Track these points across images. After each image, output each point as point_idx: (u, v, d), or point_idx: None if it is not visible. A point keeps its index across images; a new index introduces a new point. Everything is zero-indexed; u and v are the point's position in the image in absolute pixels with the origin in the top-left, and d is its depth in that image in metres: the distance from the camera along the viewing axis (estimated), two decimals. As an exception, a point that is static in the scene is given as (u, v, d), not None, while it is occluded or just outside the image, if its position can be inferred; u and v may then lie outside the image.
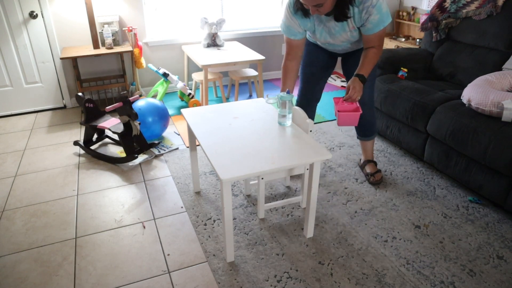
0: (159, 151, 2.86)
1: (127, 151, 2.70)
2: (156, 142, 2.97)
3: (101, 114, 2.91)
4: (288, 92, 1.92)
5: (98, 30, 3.50)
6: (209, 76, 3.62)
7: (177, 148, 2.93)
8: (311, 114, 2.43)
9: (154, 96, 3.67)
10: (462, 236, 2.01)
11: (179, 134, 3.17)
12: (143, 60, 3.65)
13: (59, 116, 3.57)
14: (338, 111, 2.02)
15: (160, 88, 3.56)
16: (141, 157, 2.79)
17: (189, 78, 4.19)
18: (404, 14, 4.44)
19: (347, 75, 2.32)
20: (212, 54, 3.61)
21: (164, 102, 3.88)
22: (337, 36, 2.04)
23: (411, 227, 2.07)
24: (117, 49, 3.43)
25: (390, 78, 2.83)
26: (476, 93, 2.20)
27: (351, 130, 3.20)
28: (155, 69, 3.54)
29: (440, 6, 3.05)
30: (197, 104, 3.56)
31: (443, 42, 3.08)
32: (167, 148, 2.92)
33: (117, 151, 2.92)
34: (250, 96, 4.05)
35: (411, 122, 2.56)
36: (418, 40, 4.18)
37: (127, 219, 2.17)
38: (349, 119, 2.00)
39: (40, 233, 2.06)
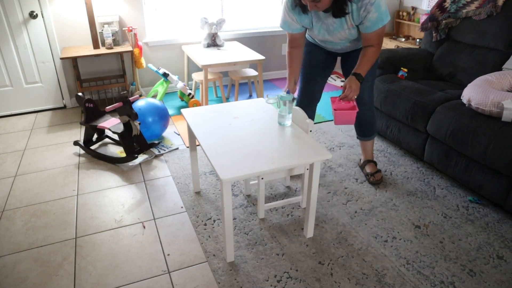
0: (159, 151, 2.86)
1: (127, 151, 2.70)
2: (156, 142, 2.97)
3: (101, 114, 2.91)
4: (288, 92, 1.92)
5: (98, 30, 3.50)
6: (209, 76, 3.62)
7: (177, 148, 2.93)
8: (311, 114, 2.43)
9: (154, 96, 3.67)
10: (462, 236, 2.01)
11: (179, 134, 3.17)
12: (143, 60, 3.65)
13: (59, 116, 3.57)
14: (335, 109, 2.03)
15: (160, 88, 3.56)
16: (141, 157, 2.79)
17: (189, 78, 4.19)
18: (404, 14, 4.44)
19: (347, 75, 2.32)
20: (212, 54, 3.61)
21: (164, 102, 3.88)
22: (335, 33, 2.03)
23: (411, 227, 2.08)
24: (117, 49, 3.43)
25: (390, 78, 2.83)
26: (476, 93, 2.20)
27: (351, 130, 3.20)
28: (155, 69, 3.54)
29: (440, 6, 3.05)
30: (197, 104, 3.56)
31: (443, 42, 3.08)
32: (167, 148, 2.92)
33: (117, 151, 2.92)
34: (250, 96, 4.05)
35: (411, 122, 2.56)
36: (418, 40, 4.18)
37: (127, 219, 2.17)
38: (345, 118, 2.01)
39: (40, 233, 2.06)
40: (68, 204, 2.30)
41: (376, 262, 1.84)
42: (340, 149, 2.90)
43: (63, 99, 3.73)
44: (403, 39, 4.39)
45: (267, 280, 1.74)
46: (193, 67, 4.14)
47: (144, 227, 2.10)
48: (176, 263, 1.85)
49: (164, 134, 3.17)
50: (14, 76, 3.47)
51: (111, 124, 2.77)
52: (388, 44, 4.42)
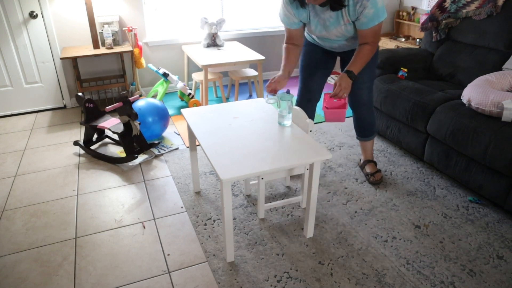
0: (159, 151, 2.86)
1: (127, 151, 2.70)
2: (156, 142, 2.97)
3: (101, 114, 2.91)
4: (288, 92, 1.92)
5: (98, 30, 3.50)
6: (209, 76, 3.62)
7: (177, 148, 2.93)
8: (310, 114, 2.43)
9: (154, 96, 3.67)
10: (462, 236, 2.01)
11: (179, 134, 3.17)
12: (143, 60, 3.65)
13: (59, 116, 3.57)
14: (325, 107, 2.04)
15: (160, 88, 3.56)
16: (141, 157, 2.79)
17: (189, 78, 4.19)
18: (404, 14, 4.44)
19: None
20: (212, 54, 3.61)
21: (164, 102, 3.88)
22: (331, 28, 2.02)
23: (411, 227, 2.08)
24: (117, 49, 3.43)
25: (390, 78, 2.83)
26: (476, 93, 2.20)
27: (351, 130, 3.20)
28: (155, 69, 3.55)
29: (440, 6, 3.05)
30: (197, 104, 3.56)
31: (443, 42, 3.08)
32: (167, 148, 2.92)
33: (117, 151, 2.92)
34: (250, 96, 4.05)
35: (411, 122, 2.56)
36: (418, 40, 4.18)
37: (127, 219, 2.17)
38: (335, 116, 2.02)
39: (40, 233, 2.06)
40: (68, 204, 2.30)
41: (376, 262, 1.84)
42: (340, 149, 2.90)
43: (63, 99, 3.73)
44: (403, 39, 4.39)
45: (267, 280, 1.74)
46: (193, 67, 4.14)
47: (144, 227, 2.10)
48: (176, 263, 1.85)
49: (164, 134, 3.17)
50: (14, 76, 3.47)
51: (111, 124, 2.77)
52: (388, 44, 4.42)
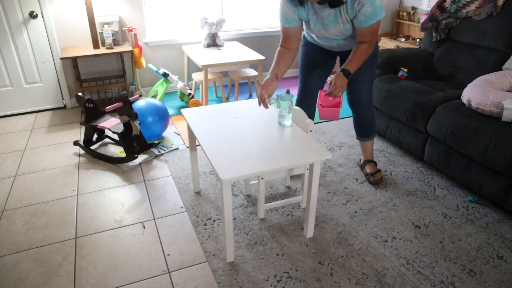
0: (159, 151, 2.87)
1: (127, 151, 2.70)
2: (156, 142, 2.97)
3: (101, 114, 2.91)
4: (288, 92, 1.92)
5: (98, 30, 3.50)
6: (209, 76, 3.62)
7: (177, 148, 2.93)
8: (310, 114, 2.43)
9: (154, 96, 3.67)
10: (462, 236, 2.01)
11: (179, 134, 3.17)
12: (143, 60, 3.65)
13: (59, 116, 3.57)
14: (320, 105, 2.04)
15: (160, 88, 3.56)
16: (141, 157, 2.79)
17: (189, 78, 4.19)
18: (404, 14, 4.44)
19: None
20: (212, 54, 3.61)
21: (164, 102, 3.88)
22: (329, 27, 2.02)
23: (411, 227, 2.07)
24: (117, 49, 3.43)
25: (390, 78, 2.83)
26: (476, 93, 2.20)
27: (351, 130, 3.20)
28: (155, 69, 3.55)
29: (440, 6, 3.05)
30: (197, 104, 3.56)
31: (443, 42, 3.08)
32: (167, 148, 2.92)
33: (117, 151, 2.92)
34: (250, 96, 4.05)
35: (411, 122, 2.56)
36: (418, 40, 4.18)
37: (127, 219, 2.17)
38: (329, 114, 2.02)
39: (40, 233, 2.06)
40: (68, 204, 2.30)
41: (376, 262, 1.84)
42: (340, 149, 2.90)
43: (63, 99, 3.73)
44: (403, 39, 4.39)
45: (267, 280, 1.74)
46: (193, 67, 4.14)
47: (144, 227, 2.10)
48: (176, 263, 1.85)
49: (164, 134, 3.17)
50: (14, 76, 3.47)
51: (111, 124, 2.77)
52: (388, 44, 4.42)
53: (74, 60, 3.36)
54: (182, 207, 2.26)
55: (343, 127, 3.27)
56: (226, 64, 3.39)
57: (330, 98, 2.06)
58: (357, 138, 2.53)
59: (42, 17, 3.36)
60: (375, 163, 2.53)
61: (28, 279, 1.76)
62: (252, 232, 2.05)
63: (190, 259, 1.87)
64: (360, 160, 2.64)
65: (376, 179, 2.44)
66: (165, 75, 3.51)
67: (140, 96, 3.70)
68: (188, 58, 4.03)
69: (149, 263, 1.85)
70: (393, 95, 2.67)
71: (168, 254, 1.91)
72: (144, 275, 1.78)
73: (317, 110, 2.67)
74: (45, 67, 3.54)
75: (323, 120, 3.39)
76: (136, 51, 3.56)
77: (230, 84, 4.00)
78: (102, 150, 2.92)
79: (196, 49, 3.80)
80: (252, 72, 3.80)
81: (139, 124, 2.69)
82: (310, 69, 2.33)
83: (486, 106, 2.13)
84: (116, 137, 3.08)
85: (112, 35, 3.51)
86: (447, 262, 1.84)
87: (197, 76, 3.71)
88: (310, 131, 1.93)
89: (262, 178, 1.96)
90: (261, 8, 4.28)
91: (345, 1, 1.86)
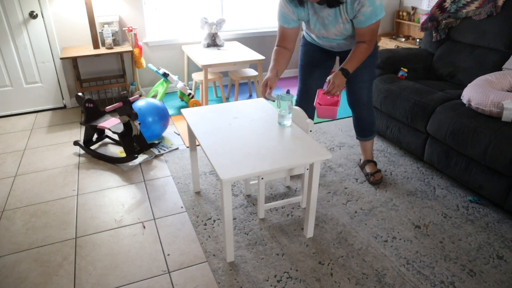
0: (159, 151, 2.87)
1: (127, 151, 2.70)
2: (156, 142, 2.97)
3: (101, 114, 2.91)
4: (288, 92, 1.92)
5: (98, 30, 3.50)
6: (209, 76, 3.62)
7: (177, 148, 2.93)
8: (310, 114, 2.43)
9: (154, 96, 3.67)
10: (462, 236, 2.01)
11: (179, 134, 3.17)
12: (143, 60, 3.65)
13: (59, 116, 3.57)
14: (318, 103, 2.04)
15: (160, 88, 3.56)
16: (141, 157, 2.79)
17: (189, 78, 4.19)
18: (404, 14, 4.44)
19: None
20: (212, 54, 3.61)
21: (164, 102, 3.88)
22: (329, 27, 2.02)
23: (411, 227, 2.07)
24: (117, 49, 3.43)
25: (390, 78, 2.83)
26: (476, 93, 2.20)
27: (351, 130, 3.20)
28: (155, 69, 3.55)
29: (440, 6, 3.05)
30: (197, 104, 3.56)
31: (443, 42, 3.08)
32: (167, 148, 2.92)
33: (117, 151, 2.92)
34: (250, 96, 4.05)
35: (411, 122, 2.56)
36: (418, 40, 4.18)
37: (127, 219, 2.17)
38: (327, 113, 2.02)
39: (40, 233, 2.06)
40: (68, 204, 2.30)
41: (376, 262, 1.84)
42: (340, 149, 2.90)
43: (63, 99, 3.73)
44: (403, 39, 4.39)
45: (267, 280, 1.74)
46: (193, 67, 4.14)
47: (144, 227, 2.10)
48: (176, 263, 1.85)
49: (164, 134, 3.17)
50: (14, 76, 3.47)
51: (111, 124, 2.77)
52: (388, 44, 4.42)
53: (74, 60, 3.36)
54: (182, 207, 2.26)
55: (343, 127, 3.27)
56: (226, 64, 3.39)
57: (329, 97, 2.06)
58: (357, 138, 2.53)
59: (42, 17, 3.36)
60: (375, 163, 2.53)
61: (28, 279, 1.76)
62: (252, 232, 2.05)
63: (190, 259, 1.87)
64: (360, 160, 2.64)
65: (376, 179, 2.44)
66: (165, 75, 3.51)
67: (140, 96, 3.70)
68: (188, 58, 4.03)
69: (149, 263, 1.85)
70: (393, 95, 2.67)
71: (168, 254, 1.91)
72: (144, 275, 1.78)
73: (315, 113, 2.67)
74: (45, 67, 3.54)
75: (323, 120, 3.39)
76: (136, 51, 3.56)
77: (230, 84, 4.00)
78: (102, 150, 2.92)
79: (196, 49, 3.80)
80: (252, 72, 3.80)
81: (139, 124, 2.69)
82: (310, 69, 2.33)
83: (486, 106, 2.13)
84: (116, 137, 3.08)
85: (112, 35, 3.51)
86: (447, 262, 1.84)
87: (197, 76, 3.71)
88: (310, 131, 1.93)
89: (262, 178, 1.96)
90: (261, 8, 4.28)
91: (344, 1, 1.86)
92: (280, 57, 2.09)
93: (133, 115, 2.59)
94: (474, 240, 1.98)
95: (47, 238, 2.02)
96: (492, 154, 2.03)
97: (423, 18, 4.07)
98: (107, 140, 3.09)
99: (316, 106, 2.03)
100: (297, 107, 2.04)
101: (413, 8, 4.36)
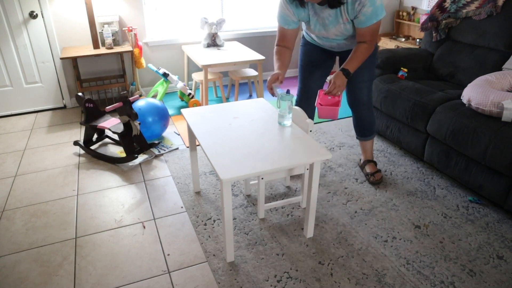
0: (159, 151, 2.87)
1: (127, 151, 2.70)
2: (156, 142, 2.97)
3: (101, 114, 2.91)
4: (288, 92, 1.92)
5: (98, 30, 3.50)
6: (209, 76, 3.62)
7: (177, 148, 2.93)
8: (310, 114, 2.43)
9: (154, 96, 3.67)
10: (462, 236, 2.01)
11: (179, 134, 3.17)
12: (143, 60, 3.65)
13: (59, 116, 3.57)
14: (319, 104, 2.04)
15: (160, 88, 3.56)
16: (141, 157, 2.79)
17: (189, 78, 4.19)
18: (404, 14, 4.44)
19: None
20: (212, 54, 3.61)
21: (164, 102, 3.88)
22: (330, 27, 2.02)
23: (411, 227, 2.07)
24: (117, 49, 3.43)
25: (390, 78, 2.83)
26: (476, 93, 2.20)
27: (351, 130, 3.20)
28: (155, 69, 3.55)
29: (440, 6, 3.05)
30: (197, 104, 3.56)
31: (443, 42, 3.08)
32: (167, 148, 2.92)
33: (117, 151, 2.92)
34: (250, 96, 4.05)
35: (411, 122, 2.56)
36: (418, 40, 4.18)
37: (127, 219, 2.17)
38: (328, 113, 2.03)
39: (40, 233, 2.06)
40: (68, 204, 2.30)
41: (376, 262, 1.84)
42: (340, 149, 2.90)
43: (63, 99, 3.73)
44: (403, 39, 4.39)
45: (267, 280, 1.74)
46: (193, 67, 4.14)
47: (144, 227, 2.10)
48: (176, 263, 1.85)
49: (164, 134, 3.17)
50: (14, 76, 3.47)
51: (111, 124, 2.77)
52: (388, 44, 4.42)
53: (74, 60, 3.36)
54: (182, 207, 2.26)
55: (343, 127, 3.27)
56: (226, 64, 3.39)
57: (330, 97, 2.06)
58: (357, 138, 2.53)
59: (42, 17, 3.36)
60: (375, 163, 2.53)
61: (28, 279, 1.76)
62: (252, 232, 2.05)
63: (190, 259, 1.87)
64: (360, 160, 2.64)
65: (376, 179, 2.44)
66: (165, 75, 3.51)
67: (140, 96, 3.70)
68: (188, 58, 4.03)
69: (149, 263, 1.85)
70: (393, 95, 2.67)
71: (168, 254, 1.91)
72: (144, 275, 1.78)
73: (316, 109, 2.67)
74: (45, 67, 3.54)
75: (323, 120, 3.39)
76: (136, 51, 3.56)
77: (230, 84, 4.00)
78: (102, 150, 2.92)
79: (196, 49, 3.80)
80: (252, 72, 3.80)
81: (139, 124, 2.69)
82: (310, 69, 2.33)
83: (486, 106, 2.13)
84: (116, 137, 3.08)
85: (112, 35, 3.51)
86: (447, 262, 1.84)
87: (197, 76, 3.71)
88: (310, 131, 1.93)
89: (262, 178, 1.96)
90: (261, 8, 4.28)
91: (345, 1, 1.86)
92: (283, 55, 2.13)
93: (133, 115, 2.59)
94: (474, 240, 1.98)
95: (47, 238, 2.02)
96: (492, 154, 2.03)
97: (423, 18, 4.07)
98: (107, 140, 3.09)
99: (317, 106, 2.03)
100: (297, 107, 2.04)
101: (413, 8, 4.36)
